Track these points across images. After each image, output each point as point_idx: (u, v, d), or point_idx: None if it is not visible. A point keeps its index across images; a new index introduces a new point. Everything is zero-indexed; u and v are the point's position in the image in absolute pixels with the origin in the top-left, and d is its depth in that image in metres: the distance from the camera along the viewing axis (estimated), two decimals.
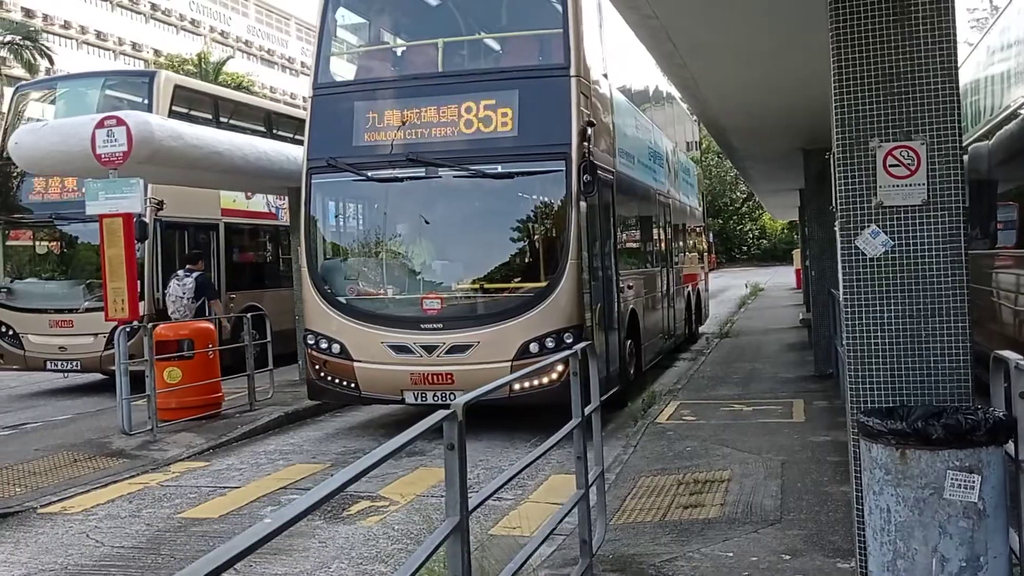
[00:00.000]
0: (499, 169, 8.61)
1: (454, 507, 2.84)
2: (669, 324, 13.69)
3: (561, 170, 8.40)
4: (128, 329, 8.88)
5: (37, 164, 10.15)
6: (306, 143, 9.32)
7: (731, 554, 4.72)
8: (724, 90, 8.05)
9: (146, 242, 11.19)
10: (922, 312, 3.79)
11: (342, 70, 10.02)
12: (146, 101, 12.33)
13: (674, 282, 14.41)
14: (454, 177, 8.77)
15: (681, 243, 16.10)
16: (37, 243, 13.55)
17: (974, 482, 3.10)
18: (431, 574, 3.87)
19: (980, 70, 9.46)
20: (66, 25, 59.41)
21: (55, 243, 13.44)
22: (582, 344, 4.74)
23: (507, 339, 8.24)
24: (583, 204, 8.45)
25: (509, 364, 8.06)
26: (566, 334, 8.20)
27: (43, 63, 40.69)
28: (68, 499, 6.81)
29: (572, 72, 8.57)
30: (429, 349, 8.42)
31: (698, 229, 19.15)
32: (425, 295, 8.71)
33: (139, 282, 10.22)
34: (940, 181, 3.80)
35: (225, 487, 7.12)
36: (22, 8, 52.37)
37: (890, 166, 3.82)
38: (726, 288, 33.46)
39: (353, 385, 8.74)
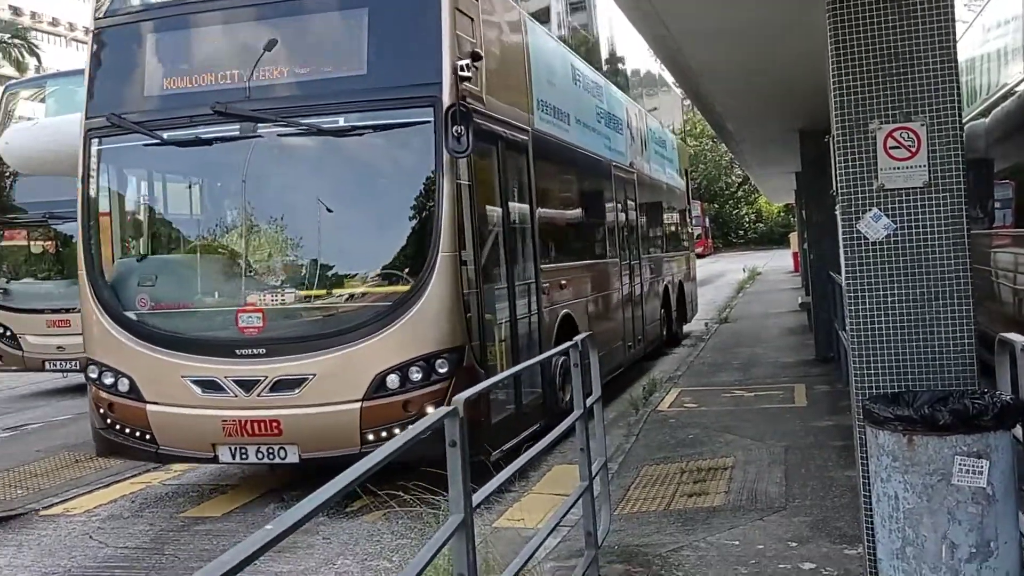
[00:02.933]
0: (340, 122, 6.19)
1: (458, 504, 2.82)
2: (633, 328, 11.13)
3: (428, 121, 5.96)
4: None
5: (28, 164, 10.09)
6: (85, 96, 6.93)
7: (737, 542, 4.70)
8: (719, 73, 7.98)
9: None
10: (925, 296, 3.75)
11: None
12: None
13: (641, 276, 11.83)
14: (279, 136, 6.36)
15: (653, 228, 13.47)
16: (32, 243, 13.49)
17: (982, 467, 3.07)
18: (436, 570, 3.85)
19: (976, 48, 9.41)
20: (54, 22, 59.08)
21: (50, 242, 13.37)
22: (581, 336, 4.69)
23: (354, 369, 5.94)
24: (463, 171, 6.12)
25: (358, 406, 5.89)
26: (438, 360, 5.90)
27: (31, 61, 40.45)
28: (70, 500, 6.79)
29: None
30: (247, 386, 6.04)
31: (680, 211, 16.16)
32: (241, 307, 6.24)
33: None
34: (941, 162, 3.76)
35: (227, 484, 7.09)
36: (9, 6, 52.04)
37: (890, 148, 3.78)
38: (723, 273, 33.43)
39: (148, 436, 6.35)
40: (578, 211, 9.64)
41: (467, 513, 2.81)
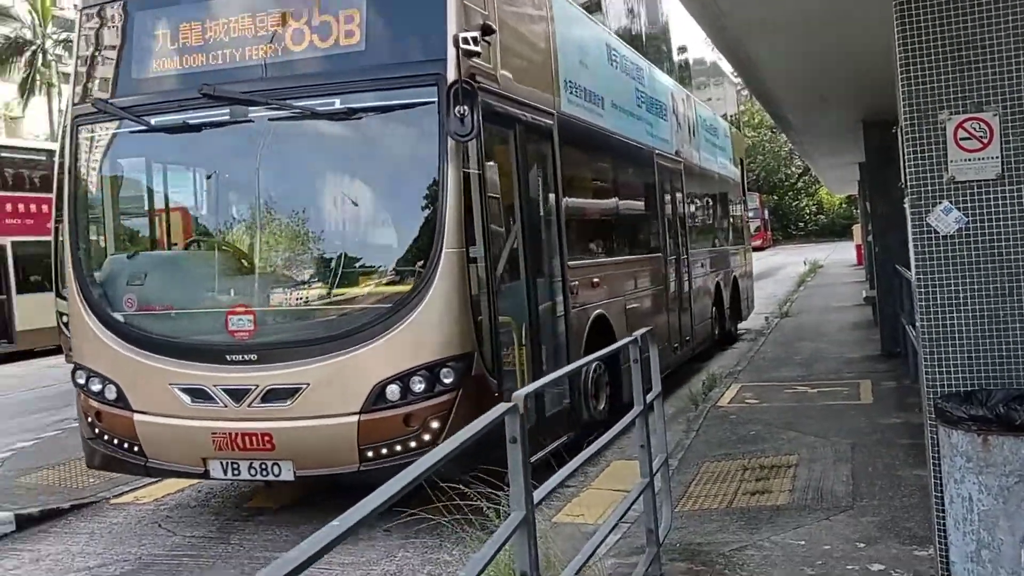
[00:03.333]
0: (337, 104, 5.63)
1: (519, 501, 2.83)
2: (680, 328, 10.41)
3: (432, 101, 5.40)
4: None
5: None
6: (71, 82, 6.51)
7: (803, 542, 4.63)
8: (781, 65, 7.83)
9: None
10: (999, 291, 3.64)
11: None
12: None
13: (689, 272, 11.11)
14: (271, 121, 5.79)
15: (702, 221, 12.92)
16: None
17: None
18: (497, 565, 3.87)
19: None
20: None
21: None
22: (641, 331, 4.64)
23: (351, 378, 5.43)
24: (473, 158, 5.51)
25: (355, 419, 5.39)
26: (443, 369, 5.34)
27: None
28: (139, 489, 6.98)
29: None
30: (237, 395, 5.58)
31: (734, 203, 15.24)
32: (231, 309, 5.77)
33: None
34: (1015, 153, 3.64)
35: None
36: (74, 6, 53.69)
37: (961, 139, 3.67)
38: (783, 266, 32.89)
39: (136, 448, 5.91)
40: (614, 203, 8.94)
41: (528, 510, 2.82)
